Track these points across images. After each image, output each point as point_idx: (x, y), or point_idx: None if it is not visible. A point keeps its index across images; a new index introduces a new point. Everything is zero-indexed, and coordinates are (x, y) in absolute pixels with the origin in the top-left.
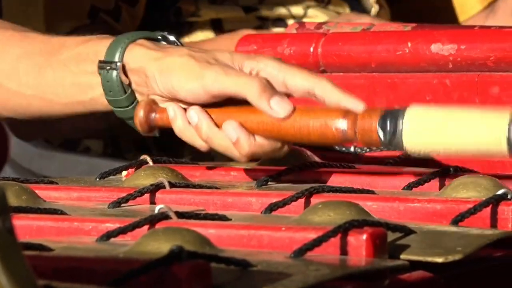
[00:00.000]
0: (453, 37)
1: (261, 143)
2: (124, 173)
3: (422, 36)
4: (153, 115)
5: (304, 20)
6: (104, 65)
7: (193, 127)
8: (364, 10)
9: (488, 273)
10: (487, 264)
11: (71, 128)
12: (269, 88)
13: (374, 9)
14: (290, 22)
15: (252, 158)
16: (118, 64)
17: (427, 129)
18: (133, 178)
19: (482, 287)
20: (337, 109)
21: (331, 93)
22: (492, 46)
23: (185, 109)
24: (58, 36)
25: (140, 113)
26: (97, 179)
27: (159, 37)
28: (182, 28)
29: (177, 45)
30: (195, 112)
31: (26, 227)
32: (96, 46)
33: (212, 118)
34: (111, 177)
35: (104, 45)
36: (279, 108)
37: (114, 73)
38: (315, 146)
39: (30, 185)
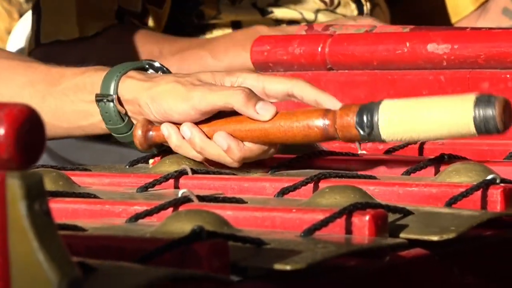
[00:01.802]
0: (447, 37)
1: (251, 148)
2: (151, 161)
3: (419, 37)
4: (150, 133)
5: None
6: (101, 97)
7: (187, 141)
8: (361, 8)
9: (479, 251)
10: (478, 242)
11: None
12: (253, 95)
13: (366, 7)
14: (302, 24)
15: (243, 162)
16: (114, 96)
17: (401, 119)
18: (159, 166)
19: (473, 263)
20: (317, 110)
21: (308, 91)
22: (482, 46)
23: (178, 126)
24: (58, 67)
25: (138, 133)
26: (127, 167)
27: (147, 66)
28: (204, 29)
29: (164, 70)
30: (187, 128)
31: (62, 210)
32: (92, 78)
33: (203, 131)
34: (139, 164)
35: (99, 77)
36: (264, 111)
37: (111, 104)
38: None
39: (66, 172)
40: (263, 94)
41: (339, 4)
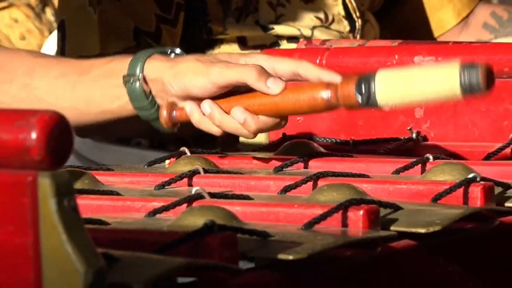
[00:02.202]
0: (432, 50)
1: (264, 120)
2: (167, 161)
3: (406, 50)
4: (174, 113)
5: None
6: (128, 78)
7: (207, 117)
8: (354, 24)
9: (462, 242)
10: (460, 234)
11: (123, 130)
12: (264, 72)
13: (358, 22)
14: (301, 39)
15: (258, 133)
16: (140, 76)
17: (394, 87)
18: (174, 166)
19: (456, 253)
20: (321, 83)
21: (312, 70)
22: (463, 58)
23: (198, 105)
24: (87, 59)
25: (164, 113)
26: (145, 167)
27: (169, 51)
28: (213, 44)
29: (183, 55)
30: (207, 105)
31: (88, 206)
32: (120, 64)
33: (221, 107)
34: (156, 165)
35: (126, 62)
36: (274, 86)
37: (137, 83)
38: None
39: (92, 171)
40: (272, 73)
41: (333, 21)
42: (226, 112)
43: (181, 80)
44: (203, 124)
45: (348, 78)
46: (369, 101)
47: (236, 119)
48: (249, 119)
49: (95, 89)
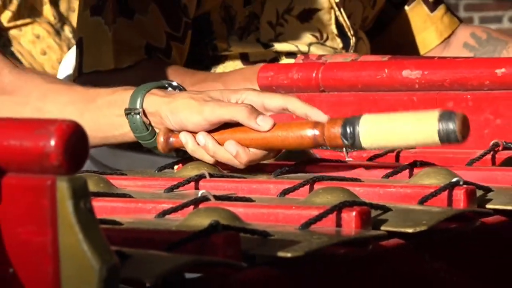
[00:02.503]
0: (419, 65)
1: (255, 153)
2: (176, 167)
3: (395, 64)
4: (170, 140)
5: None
6: (130, 110)
7: (201, 147)
8: (348, 41)
9: (446, 240)
10: (445, 234)
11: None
12: (254, 110)
13: (352, 40)
14: (298, 55)
15: (249, 164)
16: (140, 109)
17: (378, 131)
18: (182, 171)
19: (441, 250)
20: (308, 122)
21: (300, 107)
22: (448, 72)
23: (194, 134)
24: (93, 88)
25: (160, 140)
26: (156, 172)
27: (166, 85)
28: (218, 60)
29: (180, 89)
30: (202, 137)
31: (102, 207)
32: (122, 95)
33: (216, 138)
34: (166, 170)
35: (128, 94)
36: (263, 123)
37: (138, 116)
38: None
39: (106, 176)
40: (262, 108)
41: (327, 38)
42: (219, 144)
43: (177, 116)
44: (197, 153)
45: (334, 120)
46: (354, 143)
47: (229, 152)
48: (241, 151)
49: (99, 117)
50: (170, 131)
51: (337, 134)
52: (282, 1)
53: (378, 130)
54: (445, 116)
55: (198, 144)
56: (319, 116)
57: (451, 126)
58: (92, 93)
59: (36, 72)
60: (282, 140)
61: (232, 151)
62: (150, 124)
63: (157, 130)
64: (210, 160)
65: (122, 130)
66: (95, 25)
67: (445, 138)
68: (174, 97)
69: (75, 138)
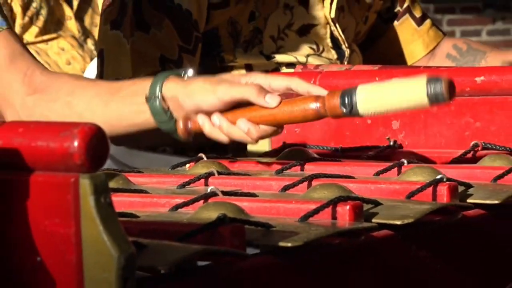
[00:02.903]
0: (406, 74)
1: (265, 129)
2: (187, 165)
3: (385, 73)
4: (189, 124)
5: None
6: (150, 97)
7: (216, 127)
8: (343, 53)
9: (431, 232)
10: (430, 226)
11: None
12: (263, 89)
13: (346, 52)
14: (297, 65)
15: (260, 139)
16: (159, 95)
17: (373, 98)
18: (193, 169)
19: (426, 241)
20: (310, 97)
21: (302, 85)
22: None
23: (209, 117)
24: (117, 81)
25: (180, 125)
26: (169, 170)
27: (183, 73)
28: (224, 70)
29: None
30: (216, 117)
31: (121, 202)
32: (143, 85)
33: (229, 118)
34: (178, 168)
35: (147, 84)
36: (271, 101)
37: (157, 101)
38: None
39: (125, 173)
40: (269, 88)
41: (323, 50)
42: (232, 123)
43: (193, 98)
44: (213, 133)
45: (333, 92)
46: (352, 111)
47: (241, 129)
48: (251, 128)
49: (123, 106)
50: (188, 117)
51: (336, 104)
52: (283, 18)
53: (373, 97)
54: (432, 80)
55: (213, 124)
56: (320, 91)
57: (438, 88)
58: (115, 85)
59: (63, 73)
60: (289, 114)
61: (244, 129)
62: (168, 109)
63: (175, 114)
64: (225, 138)
65: (144, 117)
66: (114, 38)
67: (434, 99)
68: (189, 82)
69: (96, 140)
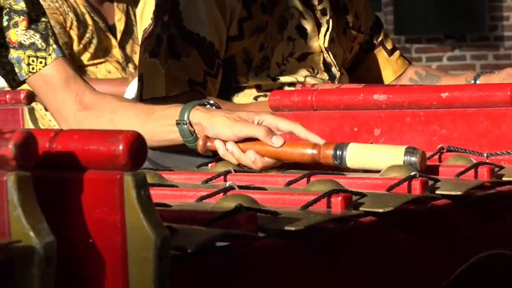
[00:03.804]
0: (385, 91)
1: (268, 161)
2: (210, 165)
3: (368, 90)
4: (207, 144)
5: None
6: (180, 122)
7: (229, 152)
8: (333, 75)
9: (407, 218)
10: (406, 213)
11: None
12: (270, 132)
13: (337, 74)
14: (297, 84)
15: (263, 169)
16: (187, 121)
17: (359, 157)
18: (215, 168)
19: (403, 225)
20: (309, 143)
21: (303, 133)
22: (406, 95)
23: (224, 143)
24: (152, 105)
25: (200, 143)
26: (195, 168)
27: (206, 103)
28: (239, 89)
29: (216, 106)
30: (230, 145)
31: (156, 194)
32: (174, 110)
33: (240, 147)
34: (202, 167)
35: (178, 110)
36: (276, 141)
37: (185, 126)
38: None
39: (159, 171)
40: (276, 128)
41: (318, 72)
42: (242, 151)
43: (214, 129)
44: (226, 156)
45: (328, 144)
46: (341, 164)
47: (249, 158)
48: (257, 159)
49: (156, 126)
50: (208, 138)
51: (329, 155)
52: (286, 48)
53: (360, 156)
54: (409, 151)
55: (227, 149)
56: (317, 139)
57: (413, 159)
58: (151, 108)
59: (107, 94)
60: (289, 155)
61: (251, 158)
62: (194, 131)
63: (199, 136)
64: (235, 162)
65: (173, 136)
66: (152, 64)
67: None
68: (212, 114)
69: (137, 144)
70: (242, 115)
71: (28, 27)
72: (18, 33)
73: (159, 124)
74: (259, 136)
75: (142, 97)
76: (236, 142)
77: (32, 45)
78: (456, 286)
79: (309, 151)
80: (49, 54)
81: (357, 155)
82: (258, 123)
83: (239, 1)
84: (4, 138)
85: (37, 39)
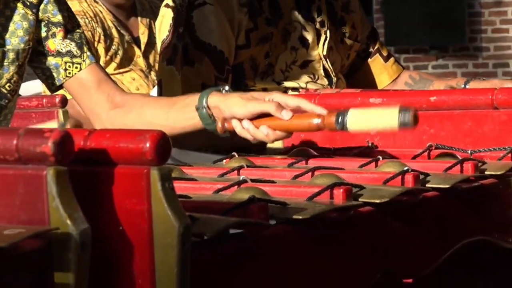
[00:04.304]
0: (380, 95)
1: (279, 134)
2: (224, 161)
3: (365, 94)
4: (225, 125)
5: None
6: (199, 107)
7: (245, 130)
8: (332, 80)
9: (400, 208)
10: (400, 204)
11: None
12: (280, 106)
13: (334, 79)
14: (300, 89)
15: (275, 141)
16: (206, 105)
17: (359, 120)
18: (229, 163)
19: (398, 214)
20: (314, 114)
21: (308, 105)
22: (398, 99)
23: (240, 121)
24: (174, 97)
25: (219, 125)
26: (212, 164)
27: (221, 89)
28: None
29: (231, 91)
30: (246, 122)
31: (178, 187)
32: (192, 99)
33: (254, 124)
34: (218, 162)
35: (196, 97)
36: (286, 115)
37: (204, 110)
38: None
39: (180, 166)
40: (284, 105)
41: (318, 78)
42: (256, 127)
43: (230, 109)
44: (242, 133)
45: (331, 112)
46: (343, 128)
47: (263, 133)
48: (270, 133)
49: (179, 114)
50: (225, 120)
51: (332, 121)
52: (289, 56)
53: (359, 120)
54: (403, 110)
55: (243, 127)
56: (321, 110)
57: (407, 117)
58: (172, 100)
59: (134, 93)
60: (297, 125)
61: (264, 132)
62: (212, 115)
63: (217, 119)
64: (250, 138)
65: (194, 121)
66: (169, 71)
67: (403, 125)
68: (228, 96)
69: (162, 142)
70: (255, 94)
71: (65, 37)
72: (56, 42)
73: (181, 112)
74: (271, 111)
75: None
76: (251, 119)
77: (69, 53)
78: (444, 269)
79: (315, 120)
80: (84, 60)
81: (357, 119)
82: (268, 101)
83: (246, 14)
84: (44, 137)
85: (72, 47)
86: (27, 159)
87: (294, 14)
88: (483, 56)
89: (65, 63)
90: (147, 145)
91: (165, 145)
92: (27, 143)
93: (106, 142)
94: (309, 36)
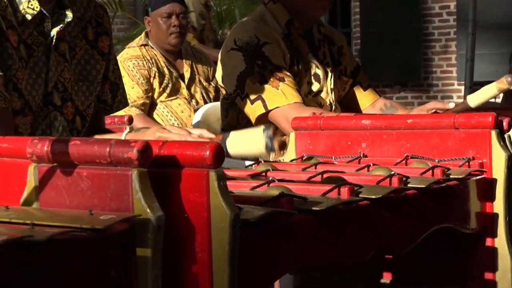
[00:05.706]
0: (369, 118)
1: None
2: (254, 165)
3: (358, 117)
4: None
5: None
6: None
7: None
8: (332, 107)
9: (390, 202)
10: (390, 199)
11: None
12: (188, 133)
13: (334, 106)
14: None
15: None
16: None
17: (234, 145)
18: (258, 167)
19: (390, 208)
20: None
21: (207, 134)
22: (384, 121)
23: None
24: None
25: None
26: (245, 167)
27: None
28: None
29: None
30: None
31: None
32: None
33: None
34: (249, 167)
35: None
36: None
37: None
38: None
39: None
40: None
41: (324, 105)
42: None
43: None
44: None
45: (217, 137)
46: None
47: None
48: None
49: None
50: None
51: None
52: (306, 88)
53: (234, 145)
54: (268, 137)
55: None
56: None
57: (271, 143)
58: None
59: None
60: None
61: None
62: None
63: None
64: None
65: None
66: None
67: (269, 150)
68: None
69: (218, 151)
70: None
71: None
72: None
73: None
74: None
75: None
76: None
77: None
78: (418, 249)
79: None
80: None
81: (233, 144)
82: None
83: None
84: (130, 146)
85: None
86: (117, 162)
87: (309, 56)
88: (433, 90)
89: None
90: (207, 153)
91: (220, 153)
92: (117, 150)
93: (176, 150)
94: (320, 73)
